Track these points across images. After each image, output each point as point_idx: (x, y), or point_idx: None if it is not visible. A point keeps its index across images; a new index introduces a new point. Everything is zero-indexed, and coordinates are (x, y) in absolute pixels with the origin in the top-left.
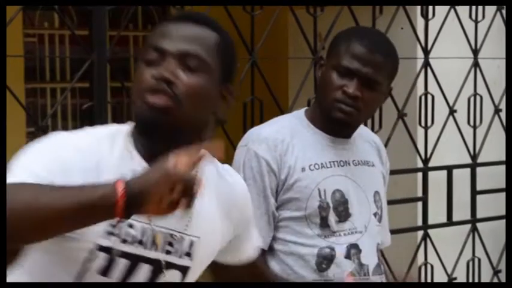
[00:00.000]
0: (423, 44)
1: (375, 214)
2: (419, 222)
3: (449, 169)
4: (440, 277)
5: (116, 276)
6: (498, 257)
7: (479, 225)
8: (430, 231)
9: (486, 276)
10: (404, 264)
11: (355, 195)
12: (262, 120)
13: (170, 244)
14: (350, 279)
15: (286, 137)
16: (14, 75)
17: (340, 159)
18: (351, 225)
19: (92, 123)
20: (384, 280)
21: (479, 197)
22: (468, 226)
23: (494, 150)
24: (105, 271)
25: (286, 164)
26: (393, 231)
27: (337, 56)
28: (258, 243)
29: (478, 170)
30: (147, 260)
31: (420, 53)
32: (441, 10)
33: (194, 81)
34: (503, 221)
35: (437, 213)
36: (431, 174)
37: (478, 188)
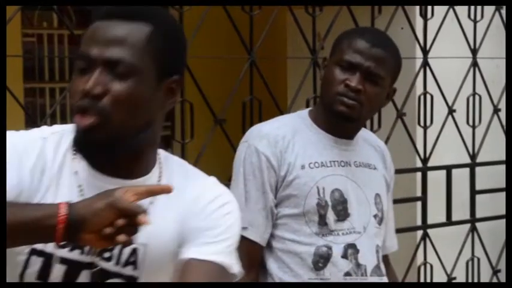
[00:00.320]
0: (422, 44)
1: (375, 216)
2: (419, 222)
3: (449, 169)
4: (439, 277)
5: (54, 281)
6: (497, 256)
7: (478, 224)
8: (429, 231)
9: (485, 276)
10: (404, 264)
11: (355, 196)
12: (261, 120)
13: (109, 250)
14: None
15: (288, 134)
16: (13, 75)
17: (341, 160)
18: (350, 225)
19: None
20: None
21: (478, 197)
22: (467, 226)
23: (493, 149)
24: (43, 276)
25: (286, 160)
26: None
27: (339, 52)
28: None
29: (477, 169)
30: (86, 266)
31: (419, 53)
32: (440, 10)
33: (123, 90)
34: (503, 221)
35: (436, 213)
36: (430, 174)
37: (477, 187)
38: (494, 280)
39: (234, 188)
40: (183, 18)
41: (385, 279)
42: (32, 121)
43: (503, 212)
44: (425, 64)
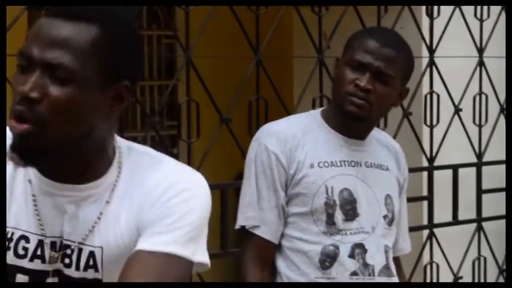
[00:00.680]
0: (428, 43)
1: (385, 217)
2: (425, 222)
3: (455, 168)
4: (445, 276)
5: None
6: (504, 256)
7: (484, 224)
8: (435, 230)
9: (492, 276)
10: (410, 263)
11: (364, 196)
12: (267, 119)
13: (68, 256)
14: None
15: (298, 133)
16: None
17: (352, 160)
18: (358, 225)
19: None
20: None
21: (484, 196)
22: (474, 225)
23: (499, 149)
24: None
25: (296, 159)
26: None
27: (350, 52)
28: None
29: (484, 169)
30: (49, 274)
31: (425, 52)
32: (446, 9)
33: (61, 96)
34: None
35: (442, 212)
36: (436, 173)
37: (484, 187)
38: (501, 280)
39: (246, 187)
40: (189, 18)
41: (395, 280)
42: None
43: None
44: (432, 63)
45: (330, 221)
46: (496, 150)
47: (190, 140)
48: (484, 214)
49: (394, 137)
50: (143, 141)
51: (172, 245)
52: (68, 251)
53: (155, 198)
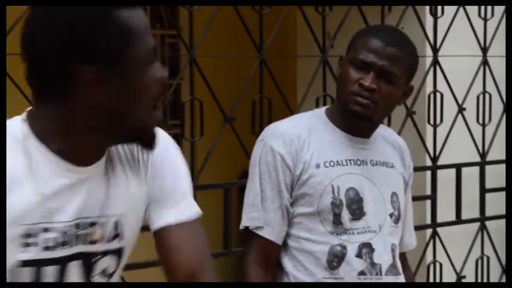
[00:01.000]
0: (432, 42)
1: (391, 215)
2: (428, 221)
3: (458, 167)
4: (449, 275)
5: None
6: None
7: (488, 223)
8: (438, 229)
9: (495, 275)
10: (413, 262)
11: (371, 195)
12: (270, 119)
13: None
14: None
15: (303, 133)
16: (23, 73)
17: (357, 158)
18: (365, 224)
19: None
20: (402, 281)
21: (488, 195)
22: (477, 224)
23: (503, 148)
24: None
25: (302, 159)
26: None
27: (354, 51)
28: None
29: (487, 168)
30: (76, 257)
31: (429, 51)
32: (450, 8)
33: None
34: None
35: (446, 211)
36: (440, 172)
37: (487, 186)
38: (504, 279)
39: (250, 187)
40: (193, 18)
41: (401, 278)
42: None
43: None
44: (435, 62)
45: (337, 221)
46: (499, 150)
47: (193, 139)
48: (488, 213)
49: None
50: None
51: (191, 207)
52: (95, 227)
53: (163, 168)
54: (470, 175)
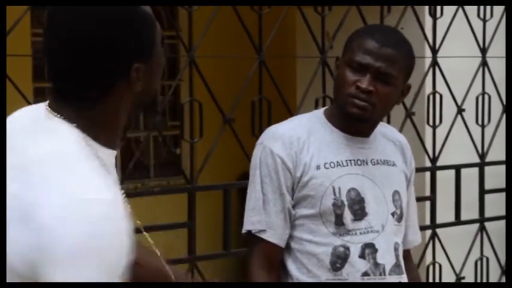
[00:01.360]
0: (431, 43)
1: (393, 214)
2: (428, 222)
3: (458, 168)
4: (448, 276)
5: None
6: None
7: (487, 224)
8: (438, 230)
9: (494, 276)
10: None
11: (372, 194)
12: (270, 119)
13: None
14: None
15: (303, 135)
16: (23, 74)
17: (358, 158)
18: (367, 224)
19: None
20: (404, 280)
21: (487, 196)
22: (476, 225)
23: (502, 149)
24: None
25: (302, 161)
26: None
27: (350, 52)
28: None
29: (486, 169)
30: None
31: (428, 52)
32: (449, 9)
33: None
34: None
35: (445, 212)
36: (439, 173)
37: (486, 187)
38: (503, 280)
39: (251, 191)
40: (192, 18)
41: (404, 278)
42: None
43: None
44: (435, 63)
45: (339, 222)
46: (498, 151)
47: (193, 140)
48: (487, 214)
49: None
50: (146, 142)
51: None
52: None
53: None
54: (470, 176)
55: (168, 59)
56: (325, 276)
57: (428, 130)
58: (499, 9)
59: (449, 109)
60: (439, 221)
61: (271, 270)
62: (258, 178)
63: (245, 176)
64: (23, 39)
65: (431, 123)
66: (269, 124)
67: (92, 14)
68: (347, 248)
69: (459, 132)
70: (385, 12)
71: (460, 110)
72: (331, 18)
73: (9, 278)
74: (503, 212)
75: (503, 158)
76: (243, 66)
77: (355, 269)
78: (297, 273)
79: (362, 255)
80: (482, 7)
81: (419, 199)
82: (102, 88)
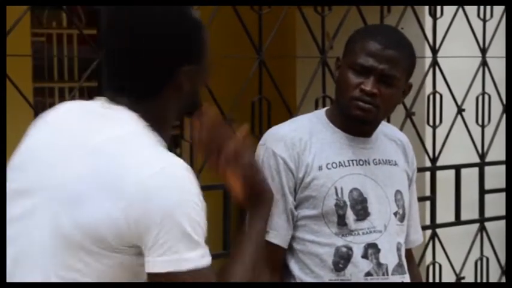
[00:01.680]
0: (431, 43)
1: (396, 213)
2: (428, 222)
3: (458, 168)
4: (448, 277)
5: None
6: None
7: (487, 224)
8: (438, 230)
9: (494, 276)
10: None
11: (374, 194)
12: (269, 120)
13: None
14: None
15: (304, 136)
16: (22, 74)
17: (360, 158)
18: (370, 224)
19: None
20: (407, 280)
21: (487, 196)
22: (476, 225)
23: (502, 149)
24: None
25: (304, 162)
26: None
27: (352, 54)
28: None
29: (486, 169)
30: None
31: (428, 52)
32: (449, 9)
33: None
34: None
35: (445, 212)
36: (439, 173)
37: (486, 187)
38: (503, 280)
39: None
40: None
41: (407, 277)
42: None
43: None
44: (435, 63)
45: (342, 222)
46: (498, 151)
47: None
48: (487, 214)
49: None
50: None
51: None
52: None
53: None
54: (470, 176)
55: None
56: (328, 277)
57: (428, 130)
58: (499, 9)
59: (449, 109)
60: (439, 221)
61: (274, 271)
62: None
63: None
64: (23, 39)
65: (431, 123)
66: (269, 124)
67: (150, 17)
68: (350, 248)
69: (459, 132)
70: (385, 12)
71: (460, 110)
72: (331, 18)
73: (85, 247)
74: (503, 212)
75: (503, 158)
76: (243, 66)
77: (358, 269)
78: (299, 274)
79: (365, 256)
80: (482, 7)
81: (420, 199)
82: (153, 87)
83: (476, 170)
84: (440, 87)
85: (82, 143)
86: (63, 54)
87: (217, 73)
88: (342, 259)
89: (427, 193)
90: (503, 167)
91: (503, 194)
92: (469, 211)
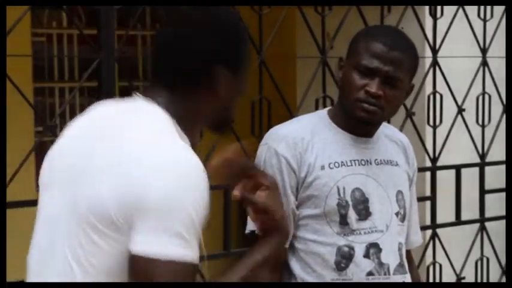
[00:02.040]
0: (432, 43)
1: (397, 213)
2: (428, 222)
3: (458, 168)
4: (448, 277)
5: None
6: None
7: (487, 224)
8: (438, 230)
9: (494, 276)
10: None
11: (376, 194)
12: (270, 120)
13: None
14: None
15: (307, 135)
16: (23, 74)
17: (362, 158)
18: (371, 224)
19: None
20: (408, 280)
21: (487, 196)
22: (476, 225)
23: (502, 149)
24: None
25: (306, 162)
26: None
27: (356, 55)
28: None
29: (487, 169)
30: None
31: (428, 52)
32: (449, 9)
33: None
34: None
35: (445, 212)
36: (439, 173)
37: (487, 187)
38: (504, 280)
39: None
40: None
41: (408, 277)
42: (41, 120)
43: None
44: (435, 63)
45: (344, 222)
46: (499, 151)
47: None
48: (487, 214)
49: None
50: None
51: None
52: None
53: None
54: (470, 176)
55: None
56: (330, 276)
57: (429, 130)
58: (499, 9)
59: (449, 109)
60: (439, 221)
61: (274, 271)
62: None
63: None
64: (23, 39)
65: (431, 123)
66: (269, 124)
67: (193, 18)
68: (352, 248)
69: (459, 132)
70: (385, 12)
71: (460, 110)
72: (331, 18)
73: (96, 225)
74: (503, 212)
75: (503, 158)
76: None
77: (360, 269)
78: (301, 273)
79: (367, 255)
80: (482, 7)
81: (420, 199)
82: (189, 78)
83: (476, 170)
84: (441, 87)
85: (107, 136)
86: (64, 54)
87: None
88: (344, 258)
89: (427, 193)
90: (503, 167)
91: (504, 194)
92: (469, 211)
